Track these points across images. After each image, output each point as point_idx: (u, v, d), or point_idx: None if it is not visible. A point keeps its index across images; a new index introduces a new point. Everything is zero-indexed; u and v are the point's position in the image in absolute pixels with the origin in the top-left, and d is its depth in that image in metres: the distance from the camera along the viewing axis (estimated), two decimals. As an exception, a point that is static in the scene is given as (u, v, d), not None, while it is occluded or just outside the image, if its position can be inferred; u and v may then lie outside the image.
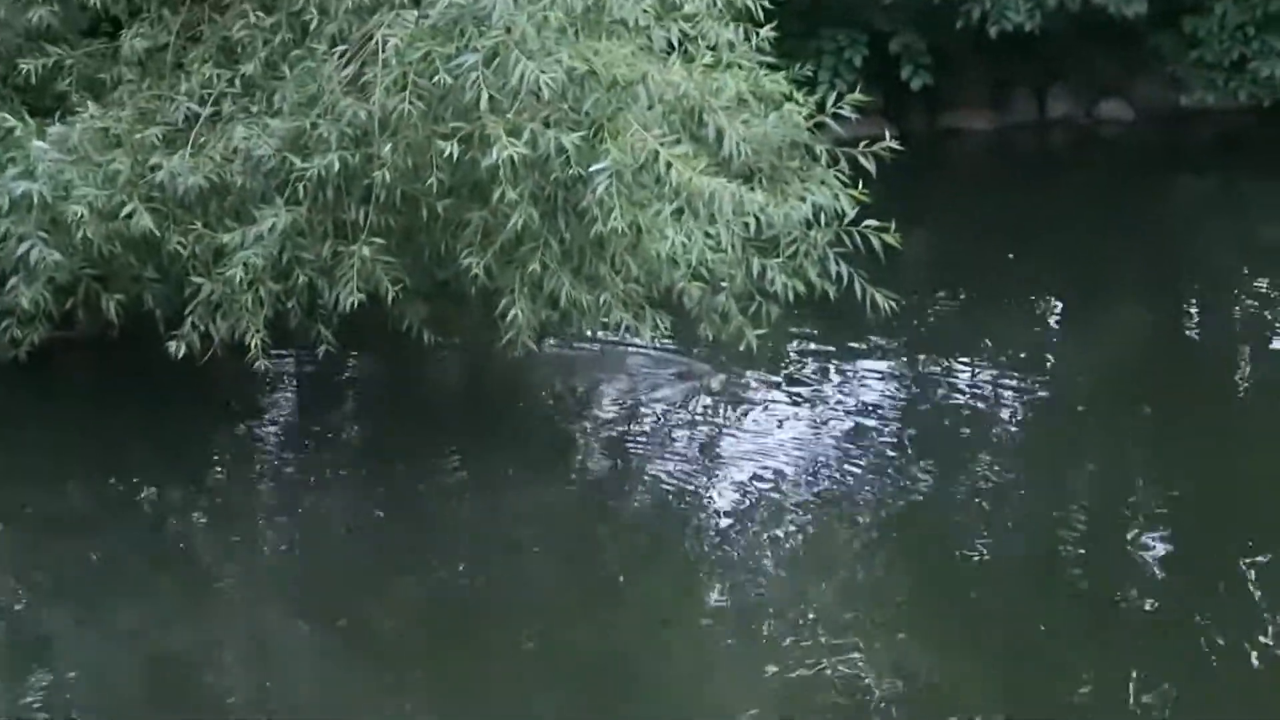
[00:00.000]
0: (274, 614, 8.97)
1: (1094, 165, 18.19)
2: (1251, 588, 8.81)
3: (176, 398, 10.84)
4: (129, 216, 9.83)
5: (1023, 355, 12.12)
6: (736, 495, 9.90)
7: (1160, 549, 9.28)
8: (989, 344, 12.42)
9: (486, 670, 8.18)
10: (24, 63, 10.73)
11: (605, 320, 9.69)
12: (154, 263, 10.29)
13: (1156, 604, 8.76)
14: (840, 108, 9.91)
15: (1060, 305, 13.75)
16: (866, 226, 9.61)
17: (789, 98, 10.03)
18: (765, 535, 9.47)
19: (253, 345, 9.67)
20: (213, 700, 7.96)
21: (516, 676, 8.12)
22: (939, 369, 11.82)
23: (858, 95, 9.96)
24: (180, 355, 9.83)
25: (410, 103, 9.18)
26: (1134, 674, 7.98)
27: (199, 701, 7.95)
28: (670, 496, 9.88)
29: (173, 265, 10.16)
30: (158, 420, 10.83)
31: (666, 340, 10.81)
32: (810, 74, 11.05)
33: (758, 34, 10.10)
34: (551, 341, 11.21)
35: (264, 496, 10.35)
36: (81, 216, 9.73)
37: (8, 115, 10.42)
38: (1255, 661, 8.10)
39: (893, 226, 9.52)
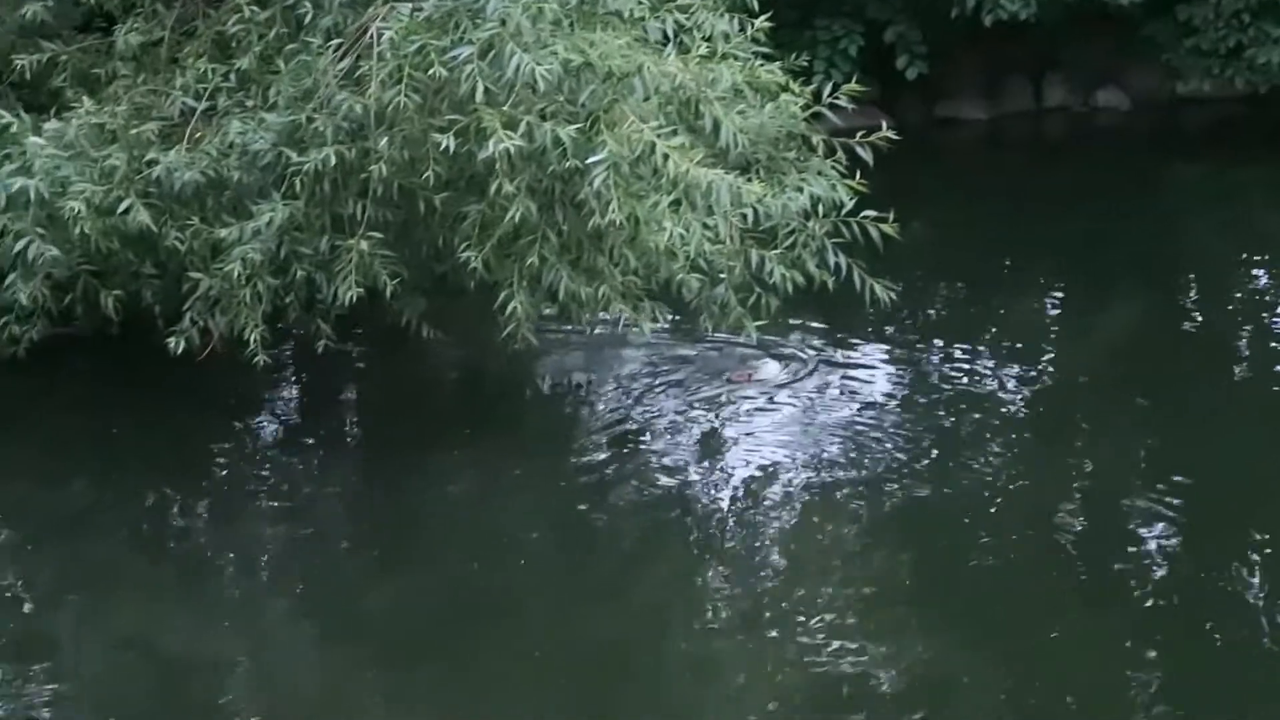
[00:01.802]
0: (275, 611, 8.97)
1: (1090, 153, 18.16)
2: (1255, 572, 8.82)
3: (175, 394, 10.84)
4: (126, 212, 9.84)
5: (1021, 343, 12.11)
6: (739, 486, 9.88)
7: (1164, 535, 9.28)
8: (988, 332, 12.41)
9: (490, 664, 8.18)
10: (19, 59, 10.76)
11: (604, 312, 9.70)
12: (152, 258, 10.30)
13: (1160, 590, 8.76)
14: (836, 98, 9.89)
15: (1058, 293, 13.73)
16: (864, 217, 9.60)
17: (785, 88, 10.01)
18: (768, 525, 9.47)
19: (251, 340, 9.66)
20: (213, 698, 7.96)
21: (521, 669, 8.12)
22: (938, 358, 11.80)
23: (854, 85, 9.94)
24: (179, 351, 9.83)
25: (406, 96, 9.17)
26: (1138, 660, 8.01)
27: (198, 699, 7.95)
28: (672, 488, 9.88)
29: (170, 261, 10.17)
30: (157, 416, 10.83)
31: (666, 329, 10.77)
32: (806, 64, 11.00)
33: (753, 25, 10.06)
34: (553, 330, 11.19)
35: (264, 492, 10.33)
36: (79, 212, 9.74)
37: (4, 112, 10.44)
38: (1263, 644, 8.12)
39: (891, 216, 9.52)
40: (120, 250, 10.10)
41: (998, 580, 8.89)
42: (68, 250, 10.02)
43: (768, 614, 8.56)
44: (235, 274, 9.57)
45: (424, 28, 9.22)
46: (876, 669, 7.96)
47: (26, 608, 8.90)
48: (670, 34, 9.75)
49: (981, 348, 12.02)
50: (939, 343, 12.10)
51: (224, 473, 10.51)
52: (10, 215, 9.98)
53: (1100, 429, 10.74)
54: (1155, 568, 9.00)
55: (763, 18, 10.10)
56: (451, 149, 9.06)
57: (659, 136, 9.05)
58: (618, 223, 8.98)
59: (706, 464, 10.21)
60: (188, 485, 10.13)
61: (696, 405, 10.97)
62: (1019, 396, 11.21)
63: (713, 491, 9.90)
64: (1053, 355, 12.17)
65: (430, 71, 9.13)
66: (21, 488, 10.24)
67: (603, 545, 9.52)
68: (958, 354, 11.86)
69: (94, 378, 11.41)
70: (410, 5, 9.39)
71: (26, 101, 11.11)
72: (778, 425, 10.65)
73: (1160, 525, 9.35)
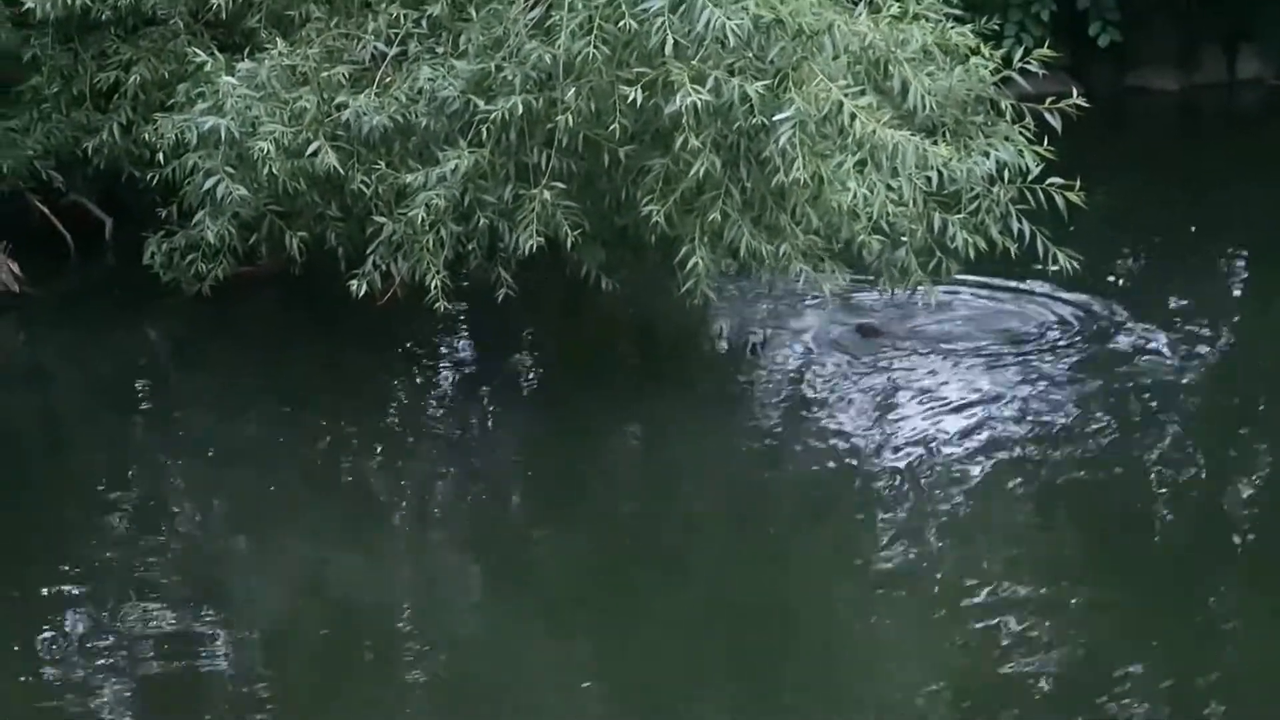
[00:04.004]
0: (441, 551, 9.06)
1: (1283, 128, 17.87)
2: None
3: (355, 336, 10.96)
4: (314, 154, 9.95)
5: (1203, 319, 11.93)
6: (910, 451, 9.81)
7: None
8: (1170, 306, 12.22)
9: (650, 620, 8.19)
10: (215, -1, 10.88)
11: (784, 271, 9.68)
12: (337, 201, 10.42)
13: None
14: (1027, 63, 9.83)
15: (1244, 270, 13.51)
16: (1050, 184, 9.52)
17: (975, 51, 9.95)
18: (937, 493, 9.40)
19: (432, 286, 9.73)
20: (377, 631, 8.05)
21: (681, 625, 8.13)
22: (1118, 329, 11.63)
23: (1045, 51, 9.86)
24: (360, 294, 9.93)
25: (595, 47, 9.19)
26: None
27: (363, 632, 8.05)
28: (841, 451, 9.83)
29: (355, 204, 10.28)
30: (336, 357, 10.97)
31: (845, 291, 10.71)
32: (997, 28, 10.94)
33: (945, -14, 10.01)
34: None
35: (436, 436, 10.43)
36: (267, 153, 9.87)
37: (198, 51, 10.61)
38: None
39: (1077, 185, 9.43)
40: (306, 192, 10.22)
41: (1166, 558, 8.78)
42: (255, 190, 10.16)
43: (932, 580, 8.50)
44: (419, 219, 9.64)
45: (615, -20, 9.23)
46: (1037, 637, 7.89)
47: (201, 538, 9.05)
48: (862, -8, 9.71)
49: (1163, 321, 11.83)
50: (1119, 314, 11.92)
51: (398, 415, 10.61)
52: (201, 153, 10.15)
53: (1281, 410, 10.58)
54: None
55: (955, -21, 10.03)
56: (638, 102, 9.08)
57: (846, 96, 9.00)
58: (801, 181, 8.97)
59: (877, 428, 10.15)
60: (362, 426, 10.24)
61: (870, 367, 10.90)
62: (1198, 373, 11.04)
63: (882, 456, 9.84)
64: (1235, 333, 11.98)
65: (620, 23, 9.14)
66: (203, 420, 10.43)
67: (769, 505, 9.48)
68: (1138, 326, 11.68)
69: (275, 317, 11.58)
70: (602, -43, 9.40)
71: (220, 41, 11.27)
72: (950, 391, 10.55)
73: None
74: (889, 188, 9.18)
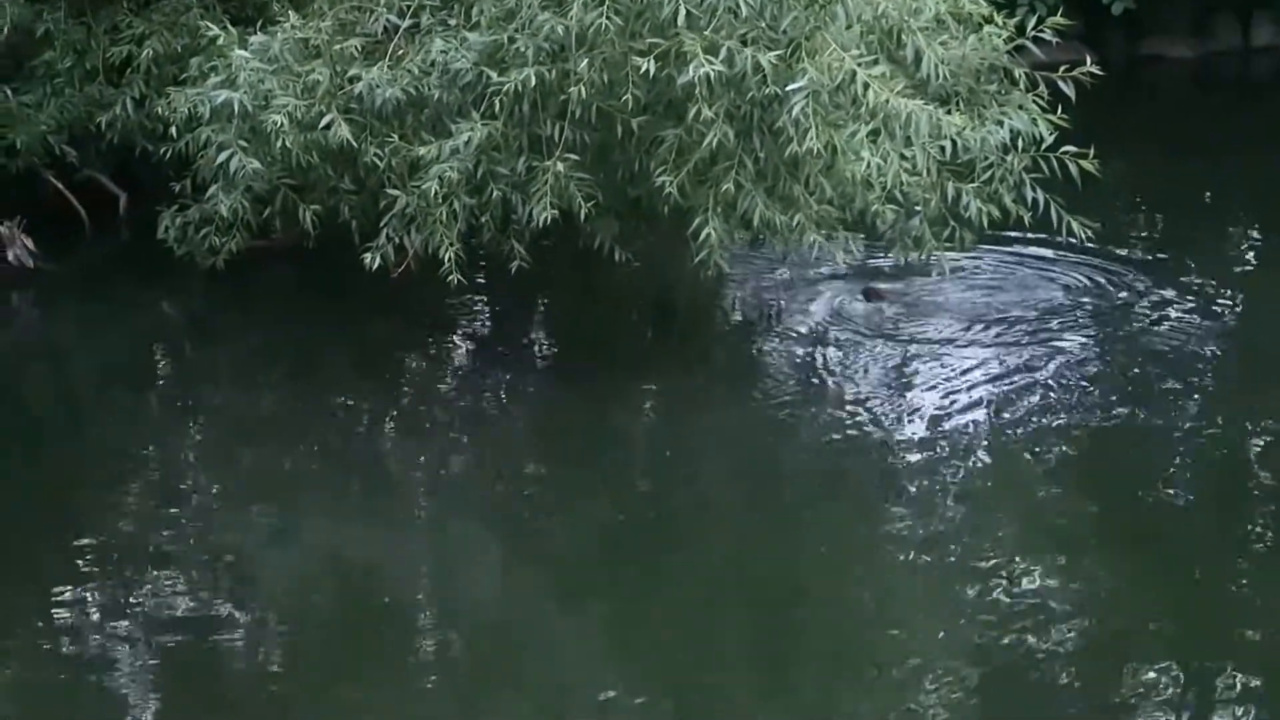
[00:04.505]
0: (455, 525, 9.04)
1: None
2: None
3: (369, 309, 10.97)
4: (327, 127, 9.96)
5: (1218, 286, 11.91)
6: (925, 422, 9.79)
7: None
8: (1185, 274, 12.20)
9: (664, 595, 8.17)
10: (228, -29, 10.91)
11: (798, 241, 9.67)
12: (350, 174, 10.42)
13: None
14: (1040, 31, 9.80)
15: (1259, 238, 13.49)
16: (1064, 153, 9.52)
17: (988, 20, 9.94)
18: (952, 463, 9.39)
19: (446, 259, 9.73)
20: (392, 605, 8.06)
21: (695, 600, 8.12)
22: (1133, 297, 11.62)
23: (1058, 19, 9.83)
24: (374, 267, 9.92)
25: (608, 18, 9.18)
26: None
27: (379, 607, 8.06)
28: (856, 421, 9.82)
29: (369, 177, 10.28)
30: (349, 331, 10.97)
31: (855, 260, 10.72)
32: (1010, -4, 10.92)
33: (958, -45, 9.98)
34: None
35: (450, 409, 10.42)
36: (281, 126, 9.88)
37: (210, 24, 10.60)
38: None
39: (1091, 153, 9.42)
40: (320, 165, 10.23)
41: (1181, 522, 8.77)
42: (269, 163, 10.18)
43: (950, 552, 8.50)
44: (432, 192, 9.64)
45: (628, -50, 9.23)
46: (1058, 610, 7.87)
47: (216, 511, 9.06)
48: (874, -38, 9.68)
49: (1178, 289, 11.82)
50: (1134, 282, 11.91)
51: (412, 389, 10.62)
52: (214, 127, 10.16)
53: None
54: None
55: (968, -52, 10.00)
56: (651, 73, 9.08)
57: (859, 65, 9.00)
58: (815, 151, 8.96)
59: (892, 398, 10.14)
60: (376, 399, 10.25)
61: (884, 337, 10.89)
62: (1213, 341, 11.01)
63: (898, 427, 9.82)
64: (1251, 301, 11.95)
65: (633, -6, 9.15)
66: (217, 394, 10.47)
67: (785, 477, 9.49)
68: (1153, 294, 11.67)
69: (289, 290, 11.57)
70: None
71: (233, 15, 11.29)
72: (964, 360, 10.54)
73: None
74: (903, 157, 9.19)
